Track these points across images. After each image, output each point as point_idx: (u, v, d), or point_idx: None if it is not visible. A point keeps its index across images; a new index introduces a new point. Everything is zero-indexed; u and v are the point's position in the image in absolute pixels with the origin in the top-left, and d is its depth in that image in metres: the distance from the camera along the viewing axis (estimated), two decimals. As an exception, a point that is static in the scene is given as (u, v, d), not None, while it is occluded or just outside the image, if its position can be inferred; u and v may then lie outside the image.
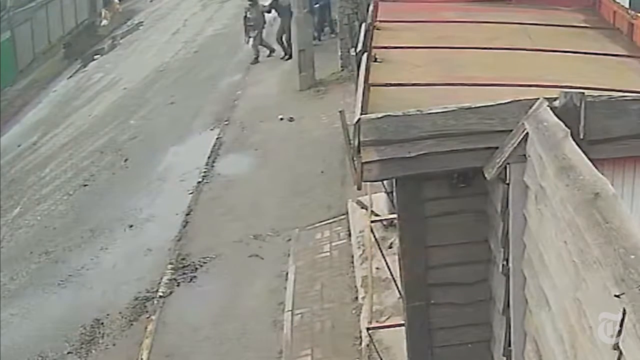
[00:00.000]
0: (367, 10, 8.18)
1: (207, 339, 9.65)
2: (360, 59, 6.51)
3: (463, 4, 8.63)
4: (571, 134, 4.05)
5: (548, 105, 4.45)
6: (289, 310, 9.76)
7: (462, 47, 7.02)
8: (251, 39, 19.94)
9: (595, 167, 3.65)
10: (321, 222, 11.72)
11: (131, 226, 12.98)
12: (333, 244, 11.07)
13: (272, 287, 10.43)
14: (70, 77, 23.89)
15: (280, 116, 16.20)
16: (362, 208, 10.90)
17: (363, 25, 7.54)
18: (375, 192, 9.58)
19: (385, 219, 9.83)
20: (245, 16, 19.83)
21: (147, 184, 14.62)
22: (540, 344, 4.47)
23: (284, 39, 19.56)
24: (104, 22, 29.08)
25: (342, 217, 11.54)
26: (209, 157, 15.14)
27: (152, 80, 20.77)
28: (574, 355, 3.68)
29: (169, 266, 11.37)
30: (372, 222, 8.81)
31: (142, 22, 28.88)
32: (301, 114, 16.08)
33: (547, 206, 4.06)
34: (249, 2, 19.94)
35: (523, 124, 4.51)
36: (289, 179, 13.34)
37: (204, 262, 11.32)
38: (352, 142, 5.16)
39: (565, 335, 3.82)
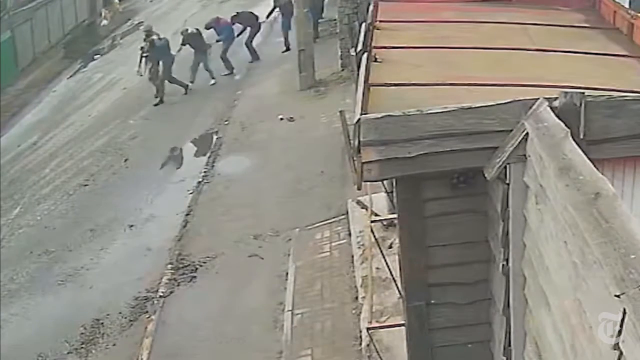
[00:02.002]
0: (367, 10, 8.17)
1: (207, 339, 9.65)
2: (360, 59, 6.50)
3: (463, 4, 8.62)
4: (571, 134, 4.05)
5: (548, 105, 4.45)
6: (289, 310, 9.76)
7: (462, 47, 7.02)
8: (146, 72, 19.06)
9: (595, 167, 3.65)
10: (321, 222, 11.72)
11: (131, 226, 12.99)
12: (333, 244, 11.07)
13: (272, 287, 10.43)
14: (70, 77, 23.87)
15: (280, 116, 16.20)
16: (362, 208, 10.90)
17: (363, 25, 7.54)
18: (375, 192, 9.58)
19: (385, 219, 9.83)
20: (142, 47, 19.21)
21: (147, 184, 14.62)
22: (540, 344, 4.47)
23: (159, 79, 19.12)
24: (104, 22, 29.07)
25: (342, 217, 11.54)
26: (209, 157, 15.15)
27: (152, 80, 20.74)
28: (574, 355, 3.68)
29: (169, 266, 11.37)
30: (372, 222, 8.82)
31: (142, 22, 28.83)
32: (301, 114, 16.08)
33: (547, 206, 4.06)
34: (145, 33, 19.46)
35: (523, 124, 4.51)
36: (289, 179, 13.35)
37: (204, 262, 11.32)
38: (352, 142, 5.16)
39: (565, 335, 3.82)
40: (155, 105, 18.76)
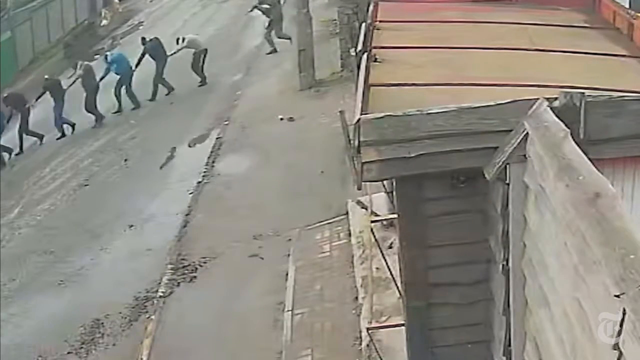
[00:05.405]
0: (367, 10, 8.18)
1: (207, 339, 9.65)
2: (360, 59, 6.51)
3: (463, 4, 8.63)
4: (571, 134, 4.05)
5: (548, 105, 4.45)
6: (289, 310, 9.76)
7: (462, 47, 7.02)
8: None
9: (595, 167, 3.65)
10: (321, 222, 11.72)
11: (131, 226, 12.98)
12: (333, 244, 11.07)
13: (272, 287, 10.43)
14: (70, 77, 23.83)
15: (280, 116, 16.18)
16: (362, 208, 10.90)
17: (363, 25, 7.55)
18: (375, 192, 9.57)
19: (385, 219, 9.82)
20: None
21: (147, 184, 14.62)
22: (540, 344, 4.47)
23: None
24: (104, 22, 29.10)
25: (342, 217, 11.53)
26: (209, 157, 15.14)
27: (152, 80, 20.75)
28: (574, 355, 3.68)
29: (169, 266, 11.36)
30: (372, 222, 8.81)
31: (142, 22, 28.87)
32: (301, 114, 16.07)
33: (547, 206, 4.06)
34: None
35: (523, 124, 4.51)
36: (289, 179, 13.33)
37: (204, 262, 11.31)
38: (352, 142, 5.17)
39: (565, 335, 3.82)
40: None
